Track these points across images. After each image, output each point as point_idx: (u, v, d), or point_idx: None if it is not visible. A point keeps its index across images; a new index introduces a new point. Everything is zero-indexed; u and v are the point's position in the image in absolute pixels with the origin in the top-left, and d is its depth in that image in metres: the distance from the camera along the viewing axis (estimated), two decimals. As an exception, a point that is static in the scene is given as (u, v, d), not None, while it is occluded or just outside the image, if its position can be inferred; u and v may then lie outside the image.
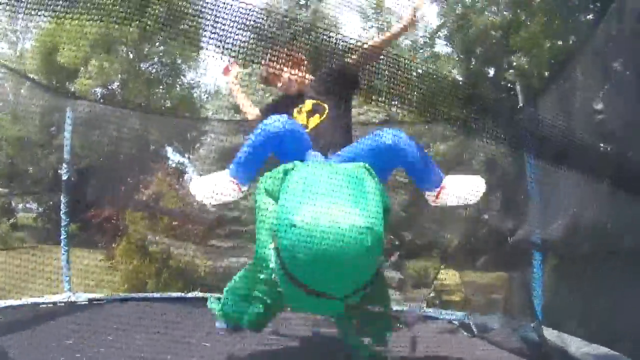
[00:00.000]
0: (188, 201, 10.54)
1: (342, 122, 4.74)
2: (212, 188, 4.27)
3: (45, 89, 12.09)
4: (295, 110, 4.73)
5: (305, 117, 4.66)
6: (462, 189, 4.49)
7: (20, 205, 25.05)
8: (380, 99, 4.24)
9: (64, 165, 8.03)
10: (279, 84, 5.11)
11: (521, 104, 6.60)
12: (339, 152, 4.28)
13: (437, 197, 4.40)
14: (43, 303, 7.06)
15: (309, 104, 4.73)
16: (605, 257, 5.45)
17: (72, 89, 20.29)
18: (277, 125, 3.95)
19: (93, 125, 8.40)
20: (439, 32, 15.87)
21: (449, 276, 9.17)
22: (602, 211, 5.48)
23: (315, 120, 4.61)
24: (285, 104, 4.93)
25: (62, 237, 7.75)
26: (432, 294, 9.50)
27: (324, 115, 4.62)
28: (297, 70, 4.93)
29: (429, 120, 10.17)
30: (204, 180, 4.38)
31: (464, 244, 8.46)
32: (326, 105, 4.68)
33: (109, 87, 22.66)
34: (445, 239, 8.96)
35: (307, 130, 4.44)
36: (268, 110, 5.03)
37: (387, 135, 4.06)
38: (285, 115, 4.04)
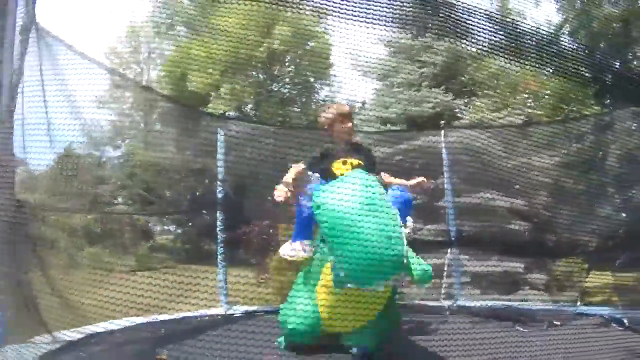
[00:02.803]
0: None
1: None
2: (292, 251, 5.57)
3: (198, 112, 12.56)
4: (341, 161, 5.49)
5: (350, 169, 5.36)
6: None
7: (158, 228, 25.69)
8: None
9: (219, 184, 8.36)
10: (334, 132, 5.89)
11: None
12: None
13: None
14: (200, 316, 7.37)
15: (355, 161, 5.48)
16: None
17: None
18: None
19: (238, 145, 8.71)
20: (562, 29, 15.67)
21: (593, 277, 9.14)
22: None
23: None
24: (330, 155, 5.70)
25: (218, 252, 8.11)
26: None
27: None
28: (348, 122, 5.86)
29: (564, 120, 10.15)
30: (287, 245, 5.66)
31: (607, 244, 8.42)
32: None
33: (243, 110, 22.97)
34: (588, 240, 8.92)
35: None
36: (314, 163, 5.70)
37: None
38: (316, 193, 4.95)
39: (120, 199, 23.51)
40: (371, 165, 5.62)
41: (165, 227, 25.68)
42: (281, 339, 5.49)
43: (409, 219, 5.72)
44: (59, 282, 6.10)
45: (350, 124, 5.81)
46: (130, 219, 21.59)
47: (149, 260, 20.78)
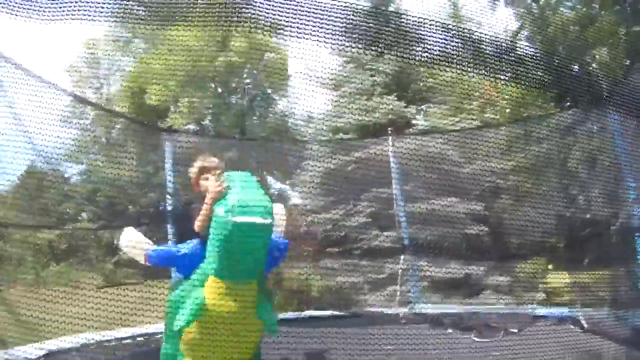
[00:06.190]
0: (297, 224, 10.68)
1: None
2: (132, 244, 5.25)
3: (147, 126, 12.43)
4: None
5: None
6: None
7: (124, 244, 25.45)
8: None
9: (168, 197, 8.29)
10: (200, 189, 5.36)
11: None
12: None
13: None
14: (154, 333, 7.30)
15: None
16: None
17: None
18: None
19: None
20: (519, 34, 15.70)
21: (557, 277, 9.15)
22: None
23: None
24: None
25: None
26: (541, 296, 9.47)
27: None
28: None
29: (521, 122, 10.18)
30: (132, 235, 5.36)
31: (570, 244, 8.45)
32: None
33: (202, 123, 22.85)
34: (551, 241, 8.93)
35: None
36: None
37: None
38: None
39: (84, 215, 23.28)
40: None
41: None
42: None
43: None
44: (18, 298, 6.06)
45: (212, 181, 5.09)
46: (95, 235, 21.44)
47: (115, 276, 20.64)
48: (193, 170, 5.41)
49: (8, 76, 5.79)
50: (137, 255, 5.18)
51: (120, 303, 5.75)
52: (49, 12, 4.84)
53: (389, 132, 9.52)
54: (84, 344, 6.54)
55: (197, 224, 4.83)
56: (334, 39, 5.29)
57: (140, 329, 7.30)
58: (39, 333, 5.81)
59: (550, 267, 9.29)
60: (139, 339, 7.18)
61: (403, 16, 5.91)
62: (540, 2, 15.00)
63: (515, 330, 6.82)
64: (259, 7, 5.25)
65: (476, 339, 6.67)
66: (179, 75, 19.01)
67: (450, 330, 7.20)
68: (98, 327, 6.11)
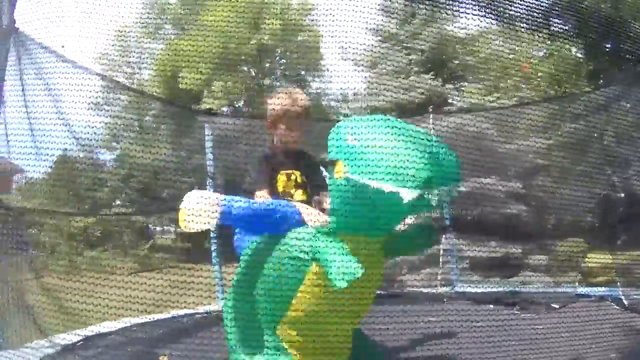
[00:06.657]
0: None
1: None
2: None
3: (185, 109, 12.46)
4: (285, 174, 4.23)
5: (292, 186, 4.23)
6: None
7: (158, 229, 25.63)
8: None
9: (208, 180, 8.29)
10: (283, 134, 4.32)
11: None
12: None
13: None
14: (198, 314, 7.34)
15: (298, 175, 4.25)
16: None
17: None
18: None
19: (229, 140, 8.59)
20: (552, 11, 15.55)
21: (595, 257, 9.11)
22: None
23: (300, 195, 4.19)
24: (276, 160, 4.30)
25: (212, 248, 8.01)
26: (579, 276, 9.43)
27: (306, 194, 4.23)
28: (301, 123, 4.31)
29: (557, 99, 10.09)
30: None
31: (606, 223, 8.39)
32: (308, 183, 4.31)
33: (236, 105, 22.86)
34: (588, 221, 8.89)
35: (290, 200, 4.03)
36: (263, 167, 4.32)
37: None
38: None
39: (118, 202, 23.46)
40: (318, 182, 4.27)
41: (165, 228, 25.61)
42: None
43: None
44: (55, 285, 6.08)
45: (296, 129, 4.27)
46: (129, 220, 21.57)
47: (150, 261, 20.79)
48: (273, 111, 4.31)
49: (48, 64, 5.78)
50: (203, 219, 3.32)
51: (159, 287, 5.75)
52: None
53: (429, 110, 9.48)
54: (120, 328, 6.60)
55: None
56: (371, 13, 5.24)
57: (178, 311, 7.36)
58: (78, 319, 5.83)
59: (587, 246, 9.24)
60: (183, 319, 7.24)
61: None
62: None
63: (557, 306, 6.84)
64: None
65: (518, 313, 6.71)
66: (212, 58, 19.02)
67: (492, 306, 7.23)
68: (135, 312, 6.13)
